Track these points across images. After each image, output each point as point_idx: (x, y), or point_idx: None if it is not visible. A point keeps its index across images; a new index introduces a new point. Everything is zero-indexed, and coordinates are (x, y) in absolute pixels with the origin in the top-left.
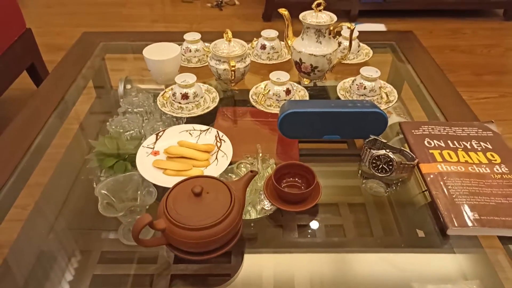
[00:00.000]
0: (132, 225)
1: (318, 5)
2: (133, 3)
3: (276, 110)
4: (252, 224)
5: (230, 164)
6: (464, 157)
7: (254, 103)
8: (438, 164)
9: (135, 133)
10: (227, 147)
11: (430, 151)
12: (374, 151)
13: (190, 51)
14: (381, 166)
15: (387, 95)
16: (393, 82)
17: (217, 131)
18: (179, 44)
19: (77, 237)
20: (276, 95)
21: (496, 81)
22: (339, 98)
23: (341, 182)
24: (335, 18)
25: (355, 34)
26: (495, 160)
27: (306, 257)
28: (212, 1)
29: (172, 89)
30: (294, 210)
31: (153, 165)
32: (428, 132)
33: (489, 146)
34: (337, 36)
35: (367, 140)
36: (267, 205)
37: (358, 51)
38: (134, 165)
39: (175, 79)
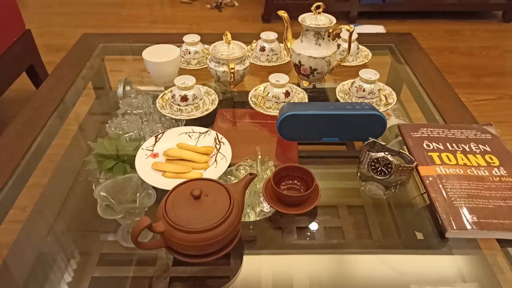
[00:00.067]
0: (131, 227)
1: (317, 7)
2: (132, 4)
3: (275, 112)
4: (251, 226)
5: (230, 166)
6: (462, 159)
7: (253, 105)
8: (437, 167)
9: (134, 135)
10: (226, 149)
11: (429, 153)
12: (373, 154)
13: (190, 53)
14: (380, 168)
15: (386, 98)
16: (392, 84)
17: (216, 134)
18: (179, 46)
19: (76, 239)
20: (275, 97)
21: (494, 83)
22: (338, 100)
23: (340, 184)
24: (334, 20)
25: (354, 36)
26: (494, 163)
27: (305, 259)
28: (211, 2)
29: (171, 91)
30: (293, 212)
31: (152, 167)
32: (427, 135)
33: (488, 149)
34: (336, 38)
35: (366, 142)
36: (266, 207)
37: (357, 53)
38: (133, 167)
39: (174, 81)
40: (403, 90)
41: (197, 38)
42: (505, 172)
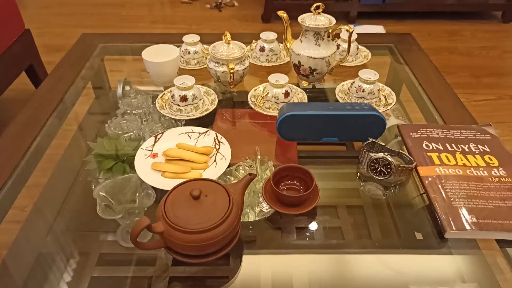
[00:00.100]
0: (130, 227)
1: (317, 7)
2: (132, 4)
3: (274, 113)
4: (250, 227)
5: (229, 166)
6: (462, 160)
7: (253, 106)
8: (436, 167)
9: (134, 135)
10: (225, 149)
11: (428, 154)
12: (372, 154)
13: (189, 53)
14: (379, 169)
15: (385, 98)
16: (392, 84)
17: (216, 134)
18: (178, 46)
19: (75, 239)
20: (275, 98)
21: (494, 83)
22: (337, 100)
23: (340, 184)
24: (333, 20)
25: (354, 36)
26: (493, 163)
27: (305, 260)
28: (211, 2)
29: (171, 91)
30: (293, 213)
31: (151, 167)
32: (426, 135)
33: (487, 149)
34: (336, 39)
35: (365, 143)
36: (265, 207)
37: (357, 54)
38: (132, 167)
39: (174, 81)
40: (402, 90)
41: (196, 38)
42: (504, 172)
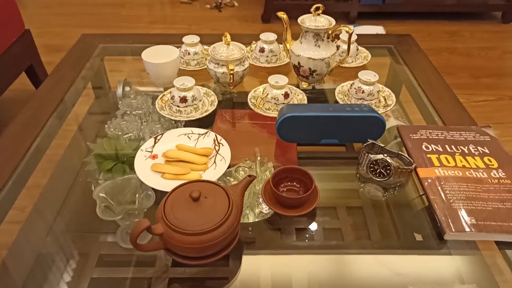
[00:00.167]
0: (130, 228)
1: (317, 9)
2: (132, 4)
3: (274, 114)
4: (250, 228)
5: (229, 167)
6: (461, 161)
7: (252, 107)
8: (436, 169)
9: (134, 136)
10: (225, 151)
11: (428, 155)
12: (372, 156)
13: (189, 54)
14: (379, 170)
15: (385, 99)
16: (391, 85)
17: (216, 135)
18: (178, 47)
19: (75, 240)
20: (275, 99)
21: (494, 84)
22: (337, 101)
23: (339, 185)
24: (333, 22)
25: (354, 37)
26: (492, 165)
27: (304, 261)
28: (211, 3)
29: (170, 92)
30: (292, 214)
31: (151, 168)
32: (426, 137)
33: (487, 151)
34: (336, 40)
35: (365, 144)
36: (265, 208)
37: (357, 55)
38: (132, 168)
39: (173, 82)
40: (402, 91)
41: (196, 39)
42: (503, 174)
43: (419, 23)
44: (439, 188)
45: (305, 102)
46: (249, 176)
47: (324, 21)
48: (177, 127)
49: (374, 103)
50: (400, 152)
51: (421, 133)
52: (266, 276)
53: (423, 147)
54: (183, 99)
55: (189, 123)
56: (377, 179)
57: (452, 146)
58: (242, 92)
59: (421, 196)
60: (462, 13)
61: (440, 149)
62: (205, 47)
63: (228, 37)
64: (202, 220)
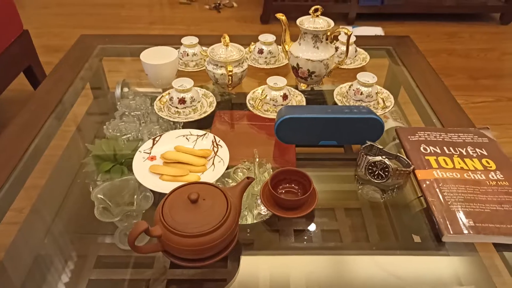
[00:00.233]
0: (128, 230)
1: (316, 10)
2: (132, 5)
3: (273, 115)
4: (248, 230)
5: (227, 168)
6: (459, 163)
7: (251, 108)
8: (434, 171)
9: (132, 137)
10: (224, 152)
11: (426, 157)
12: (370, 157)
13: (188, 55)
14: (377, 172)
15: (383, 101)
16: (390, 87)
17: (214, 136)
18: (177, 48)
19: (73, 241)
20: (273, 100)
21: (492, 85)
22: (335, 103)
23: (338, 186)
24: (332, 23)
25: (352, 39)
26: (490, 167)
27: (303, 262)
28: (210, 3)
29: (169, 93)
30: (291, 216)
31: (149, 170)
32: (424, 138)
33: (485, 153)
34: (334, 41)
35: (363, 146)
36: (263, 209)
37: (355, 56)
38: (130, 169)
39: (172, 83)
40: (401, 92)
41: (195, 40)
42: (501, 176)
43: (418, 24)
44: (437, 190)
45: (304, 103)
46: (248, 178)
47: (322, 23)
48: (175, 129)
49: (372, 104)
50: (398, 154)
51: (420, 135)
52: (264, 277)
53: (421, 149)
54: (182, 100)
55: (188, 124)
56: (376, 181)
57: (450, 148)
58: (240, 93)
59: (419, 197)
60: (461, 14)
61: (438, 151)
62: (204, 48)
63: (227, 38)
64: (200, 222)
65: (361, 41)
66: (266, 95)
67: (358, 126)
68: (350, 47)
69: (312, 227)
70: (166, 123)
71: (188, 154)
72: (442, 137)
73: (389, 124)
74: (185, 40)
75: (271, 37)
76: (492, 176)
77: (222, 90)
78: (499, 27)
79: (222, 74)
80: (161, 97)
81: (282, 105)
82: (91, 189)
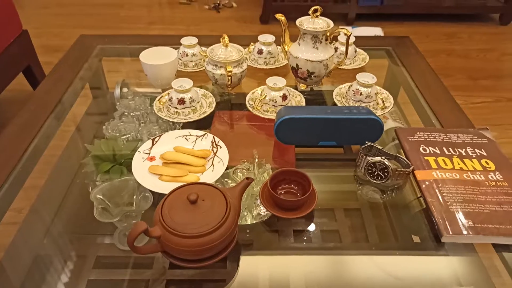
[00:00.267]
0: (127, 230)
1: (315, 11)
2: (131, 5)
3: (272, 116)
4: (247, 230)
5: (227, 168)
6: (459, 164)
7: (250, 108)
8: (433, 171)
9: (132, 137)
10: (223, 153)
11: (425, 158)
12: (369, 158)
13: (187, 55)
14: (376, 172)
15: (383, 101)
16: (389, 87)
17: (214, 137)
18: (176, 48)
19: (72, 241)
20: (273, 101)
21: (491, 86)
22: (335, 103)
23: (337, 187)
24: (331, 24)
25: (352, 39)
26: (490, 168)
27: (302, 263)
28: (209, 3)
29: (168, 93)
30: (290, 217)
31: (149, 170)
32: (423, 139)
33: (484, 153)
34: (334, 42)
35: (362, 146)
36: (263, 210)
37: (355, 57)
38: (130, 170)
39: (171, 84)
40: (400, 92)
41: (194, 40)
42: (501, 176)
43: (417, 25)
44: (436, 190)
45: (303, 104)
46: (247, 178)
47: (322, 23)
48: (175, 129)
49: (372, 105)
50: (398, 155)
51: (419, 135)
52: (264, 278)
53: (421, 149)
54: (181, 101)
55: (187, 125)
56: (375, 181)
57: (450, 149)
58: (240, 93)
59: (419, 198)
60: (460, 15)
61: (438, 151)
62: (203, 48)
63: (226, 38)
64: (200, 223)
65: (361, 41)
66: (266, 96)
67: (357, 126)
68: (349, 48)
69: (311, 227)
70: (165, 124)
71: (188, 155)
72: (442, 137)
73: (389, 124)
74: (185, 41)
75: (270, 38)
76: (492, 176)
77: (222, 90)
78: (498, 27)
79: (221, 74)
80: (161, 97)
81: (281, 105)
82: (90, 190)
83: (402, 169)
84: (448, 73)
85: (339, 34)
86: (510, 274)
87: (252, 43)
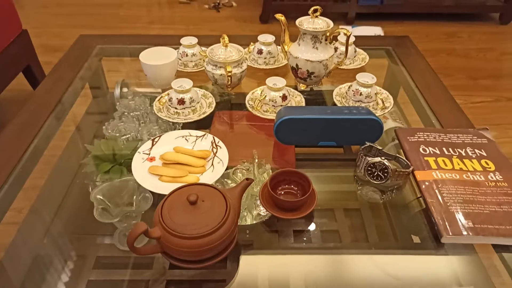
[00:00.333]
0: (127, 230)
1: (315, 11)
2: (130, 4)
3: (272, 116)
4: (247, 230)
5: (227, 168)
6: (458, 164)
7: (250, 109)
8: (433, 172)
9: (132, 137)
10: (223, 153)
11: (425, 158)
12: (369, 159)
13: (187, 55)
14: (376, 173)
15: (383, 101)
16: (389, 87)
17: (213, 137)
18: (176, 48)
19: (72, 242)
20: (273, 101)
21: (491, 85)
22: (335, 103)
23: (337, 187)
24: (331, 24)
25: (352, 39)
26: (490, 168)
27: (302, 263)
28: (209, 3)
29: (168, 94)
30: (290, 217)
31: (148, 171)
32: (423, 139)
33: (484, 154)
34: (334, 41)
35: (362, 147)
36: (262, 210)
37: (355, 56)
38: (130, 170)
39: (171, 84)
40: (400, 92)
41: (194, 40)
42: (500, 177)
43: (417, 24)
44: (436, 191)
45: (303, 104)
46: (247, 179)
47: (322, 23)
48: (175, 129)
49: (372, 105)
50: (397, 155)
51: (419, 135)
52: (264, 278)
53: (421, 149)
54: (181, 101)
55: (187, 125)
56: (375, 182)
57: (450, 149)
58: (240, 93)
59: (418, 198)
60: (460, 14)
61: (438, 151)
62: (203, 48)
63: (226, 39)
64: (200, 224)
65: (361, 41)
66: (265, 96)
67: (357, 127)
68: (349, 48)
69: (311, 227)
70: (165, 124)
71: (187, 155)
72: (442, 138)
73: (389, 124)
74: (184, 41)
75: (270, 38)
76: (491, 177)
77: (222, 90)
78: (498, 27)
79: (221, 74)
80: (160, 97)
81: (281, 105)
82: (90, 190)
83: (402, 170)
84: (448, 72)
85: (339, 34)
86: (510, 274)
87: (252, 43)
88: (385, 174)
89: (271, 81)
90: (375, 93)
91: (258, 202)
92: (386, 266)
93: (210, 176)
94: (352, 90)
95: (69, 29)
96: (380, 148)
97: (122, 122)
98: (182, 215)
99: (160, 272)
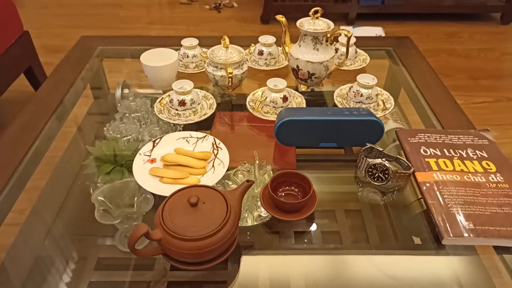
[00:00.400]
0: (128, 232)
1: (316, 12)
2: (131, 5)
3: (273, 117)
4: (248, 232)
5: (227, 170)
6: (459, 165)
7: (251, 110)
8: (434, 173)
9: (133, 138)
10: (224, 154)
11: (426, 159)
12: (370, 160)
13: (188, 56)
14: (377, 174)
15: (383, 103)
16: (390, 87)
17: (214, 139)
18: (177, 49)
19: (73, 243)
20: (273, 102)
21: (492, 86)
22: (336, 104)
23: (338, 188)
24: (332, 25)
25: (352, 40)
26: (491, 169)
27: (303, 264)
28: (210, 3)
29: (169, 95)
30: (290, 219)
31: (149, 173)
32: (424, 140)
33: (485, 155)
34: (334, 42)
35: (363, 148)
36: (263, 211)
37: (355, 57)
38: (131, 171)
39: (172, 85)
40: (401, 92)
41: (195, 41)
42: (501, 178)
43: (418, 24)
44: (437, 192)
45: (304, 105)
46: (248, 181)
47: (322, 25)
48: (176, 130)
49: (372, 106)
50: (398, 156)
51: (420, 137)
52: (264, 279)
53: (422, 151)
54: (182, 103)
55: (188, 126)
56: (376, 183)
57: (451, 150)
58: (241, 94)
59: (419, 200)
60: (461, 14)
61: (439, 153)
62: (204, 49)
63: (227, 40)
64: (200, 226)
65: (361, 42)
66: (266, 97)
67: (358, 128)
68: (350, 49)
69: (312, 228)
70: (166, 125)
71: (188, 157)
72: (442, 139)
73: (390, 125)
74: (185, 42)
75: (271, 39)
76: (492, 178)
77: (222, 91)
78: (499, 27)
79: (222, 76)
80: (161, 99)
81: (282, 107)
82: (91, 191)
83: (403, 171)
84: (448, 73)
85: (339, 35)
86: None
87: (252, 44)
88: (386, 176)
89: (271, 82)
90: (376, 94)
91: (259, 203)
92: (386, 267)
93: (211, 178)
94: (353, 91)
95: (69, 29)
96: (381, 149)
97: (123, 123)
98: (183, 217)
99: (161, 274)
